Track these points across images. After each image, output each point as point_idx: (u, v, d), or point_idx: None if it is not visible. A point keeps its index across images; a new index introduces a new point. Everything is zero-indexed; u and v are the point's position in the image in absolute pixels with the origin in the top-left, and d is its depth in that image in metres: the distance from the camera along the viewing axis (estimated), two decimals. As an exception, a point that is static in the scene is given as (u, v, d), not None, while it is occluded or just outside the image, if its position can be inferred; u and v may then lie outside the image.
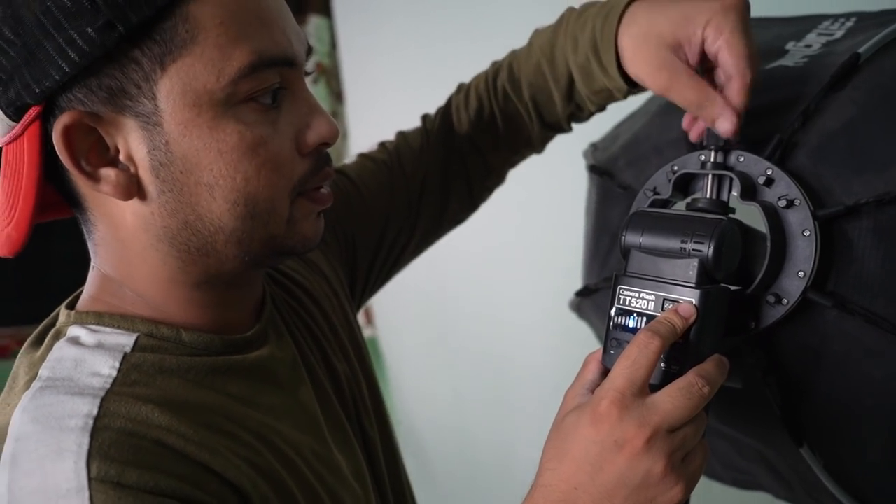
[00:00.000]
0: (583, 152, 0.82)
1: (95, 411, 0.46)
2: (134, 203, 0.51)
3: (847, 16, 0.67)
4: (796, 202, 0.54)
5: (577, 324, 0.91)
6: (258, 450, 0.53)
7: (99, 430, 0.45)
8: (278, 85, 0.51)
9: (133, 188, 0.50)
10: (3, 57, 0.46)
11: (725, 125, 0.56)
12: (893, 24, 0.60)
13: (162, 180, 0.50)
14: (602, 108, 0.73)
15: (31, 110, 0.47)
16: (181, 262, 0.53)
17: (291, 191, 0.53)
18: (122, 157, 0.49)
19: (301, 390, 0.62)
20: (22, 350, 0.54)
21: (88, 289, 0.57)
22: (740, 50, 0.55)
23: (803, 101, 0.57)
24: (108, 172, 0.49)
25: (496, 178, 0.85)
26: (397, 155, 0.80)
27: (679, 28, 0.57)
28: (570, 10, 0.70)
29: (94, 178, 0.49)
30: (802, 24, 0.69)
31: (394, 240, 0.80)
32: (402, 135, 0.83)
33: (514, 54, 0.77)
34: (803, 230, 0.54)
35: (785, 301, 0.54)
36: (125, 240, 0.53)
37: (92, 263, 0.57)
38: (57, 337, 0.53)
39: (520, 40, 0.80)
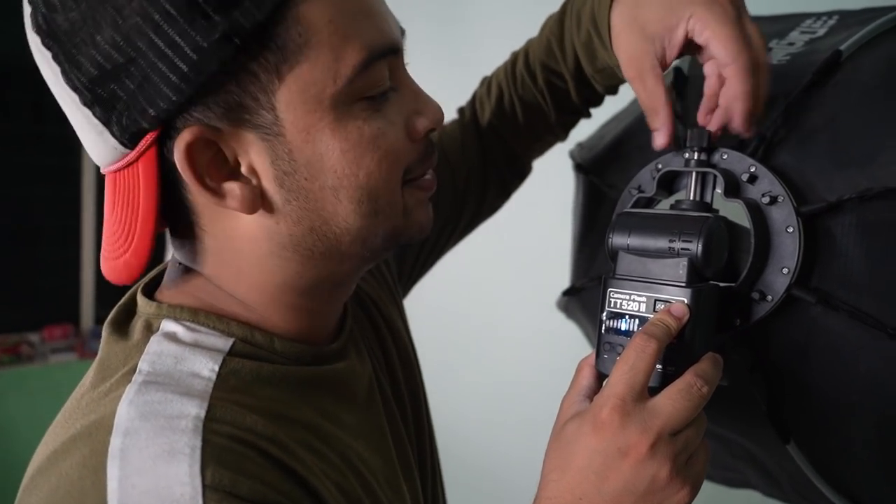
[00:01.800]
0: (569, 152, 0.83)
1: (203, 414, 0.45)
2: (258, 214, 0.50)
3: (829, 14, 0.68)
4: (779, 199, 0.54)
5: (565, 323, 0.91)
6: (344, 472, 0.52)
7: (209, 433, 0.44)
8: (388, 82, 0.50)
9: (258, 201, 0.49)
10: (115, 84, 0.44)
11: (658, 139, 0.58)
12: (874, 21, 0.60)
13: (287, 190, 0.49)
14: (611, 89, 0.72)
15: (147, 135, 0.46)
16: (301, 268, 0.52)
17: (401, 179, 0.52)
18: (243, 169, 0.48)
19: (374, 410, 0.62)
20: (106, 336, 0.53)
21: (174, 281, 0.55)
22: (727, 35, 0.54)
23: (785, 99, 0.57)
24: (232, 187, 0.48)
25: (524, 166, 0.86)
26: (441, 148, 0.79)
27: (662, 18, 0.57)
28: None
29: (218, 194, 0.48)
30: (786, 23, 0.69)
31: (440, 231, 0.81)
32: (441, 127, 0.82)
33: (529, 41, 0.78)
34: (787, 227, 0.54)
35: (770, 297, 0.55)
36: (241, 249, 0.52)
37: (175, 258, 0.56)
38: (149, 329, 0.51)
39: (511, 46, 0.80)
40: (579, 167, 0.77)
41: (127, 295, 0.56)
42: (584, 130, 0.84)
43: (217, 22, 0.43)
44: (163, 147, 0.47)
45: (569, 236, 0.83)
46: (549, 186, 1.11)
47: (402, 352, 0.71)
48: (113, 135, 0.46)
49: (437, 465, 0.75)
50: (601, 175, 0.73)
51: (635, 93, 0.60)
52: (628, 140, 0.71)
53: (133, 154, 0.47)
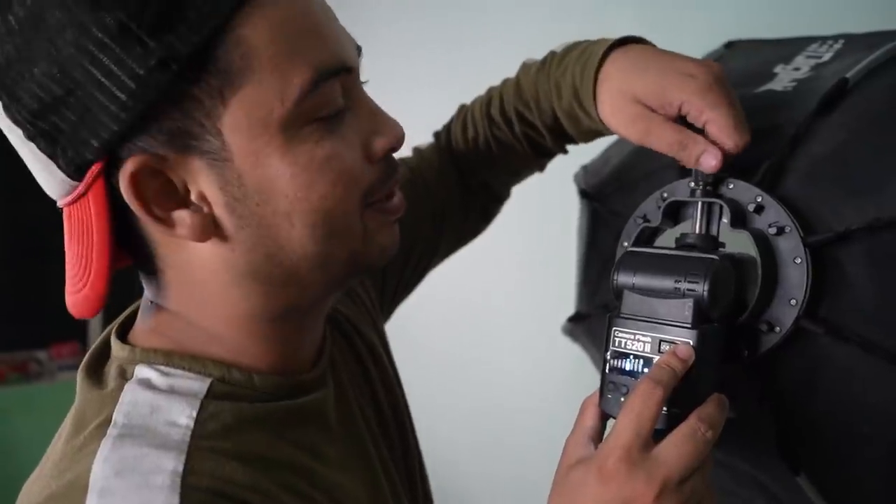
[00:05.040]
0: (574, 176, 0.82)
1: (181, 468, 0.44)
2: (211, 243, 0.49)
3: (835, 38, 0.67)
4: (787, 229, 0.54)
5: (558, 348, 0.90)
6: None
7: (187, 489, 0.44)
8: (342, 102, 0.49)
9: (210, 228, 0.48)
10: (56, 116, 0.44)
11: (710, 160, 0.55)
12: (880, 47, 0.59)
13: (238, 216, 0.48)
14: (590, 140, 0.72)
15: (93, 167, 0.45)
16: (264, 297, 0.52)
17: (360, 202, 0.51)
18: (193, 197, 0.48)
19: (358, 436, 0.61)
20: (81, 384, 0.52)
21: (146, 320, 0.54)
22: (728, 123, 0.54)
23: (792, 127, 0.57)
24: (182, 215, 0.47)
25: (501, 194, 0.86)
26: (420, 173, 0.80)
27: (653, 97, 0.57)
28: (552, 53, 0.70)
29: (167, 222, 0.47)
30: (791, 47, 0.69)
31: (420, 255, 0.80)
32: (418, 152, 0.82)
33: (505, 86, 0.77)
34: (794, 257, 0.53)
35: (777, 329, 0.54)
36: (203, 280, 0.51)
37: (146, 296, 0.55)
38: (123, 376, 0.51)
39: (509, 53, 0.80)
40: (584, 193, 0.77)
41: (100, 338, 0.55)
42: (590, 152, 0.84)
43: (153, 48, 0.42)
44: (111, 178, 0.46)
45: (564, 260, 0.83)
46: (557, 208, 1.10)
47: (384, 374, 0.70)
48: (60, 167, 0.46)
49: (427, 487, 0.74)
50: (605, 202, 0.72)
51: (654, 146, 0.58)
52: (633, 166, 0.70)
53: (82, 186, 0.46)
